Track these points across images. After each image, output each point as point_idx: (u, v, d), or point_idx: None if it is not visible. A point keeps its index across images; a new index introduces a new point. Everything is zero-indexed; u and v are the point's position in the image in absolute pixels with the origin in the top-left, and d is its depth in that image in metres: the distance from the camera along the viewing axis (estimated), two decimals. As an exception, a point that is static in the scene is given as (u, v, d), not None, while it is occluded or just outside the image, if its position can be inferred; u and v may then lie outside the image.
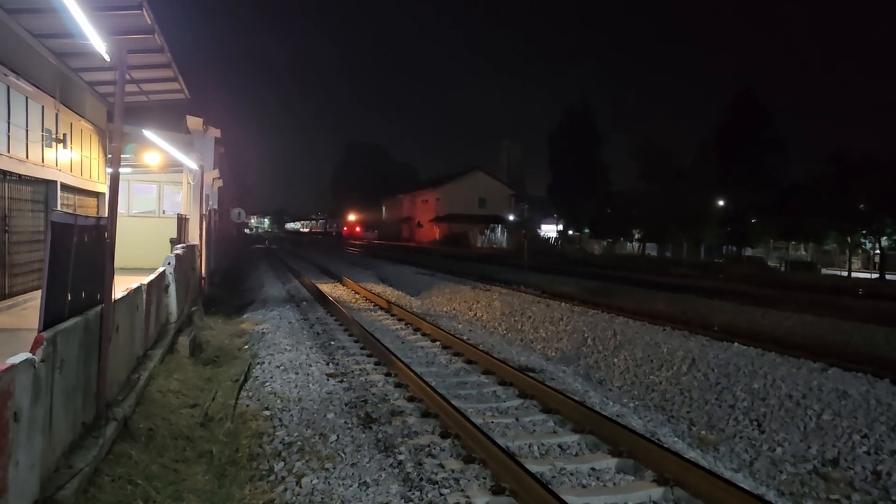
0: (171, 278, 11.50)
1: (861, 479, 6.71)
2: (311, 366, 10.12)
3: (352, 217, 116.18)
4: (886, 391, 8.29)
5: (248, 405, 8.18)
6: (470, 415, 7.30)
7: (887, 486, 6.49)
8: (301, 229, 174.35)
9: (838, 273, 44.02)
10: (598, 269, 35.54)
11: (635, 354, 11.38)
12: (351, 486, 5.61)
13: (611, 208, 61.47)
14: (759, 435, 7.98)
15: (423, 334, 13.43)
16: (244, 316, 16.11)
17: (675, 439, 7.54)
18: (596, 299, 18.56)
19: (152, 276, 10.11)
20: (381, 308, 17.54)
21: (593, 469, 6.20)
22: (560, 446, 6.84)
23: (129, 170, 18.81)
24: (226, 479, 5.83)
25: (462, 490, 5.53)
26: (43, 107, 12.43)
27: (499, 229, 79.85)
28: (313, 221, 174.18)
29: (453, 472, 5.94)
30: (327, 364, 10.33)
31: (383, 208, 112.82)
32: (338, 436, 6.89)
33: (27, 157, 11.66)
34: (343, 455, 6.33)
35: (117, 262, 6.85)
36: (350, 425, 7.26)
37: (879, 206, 39.50)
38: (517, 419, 7.72)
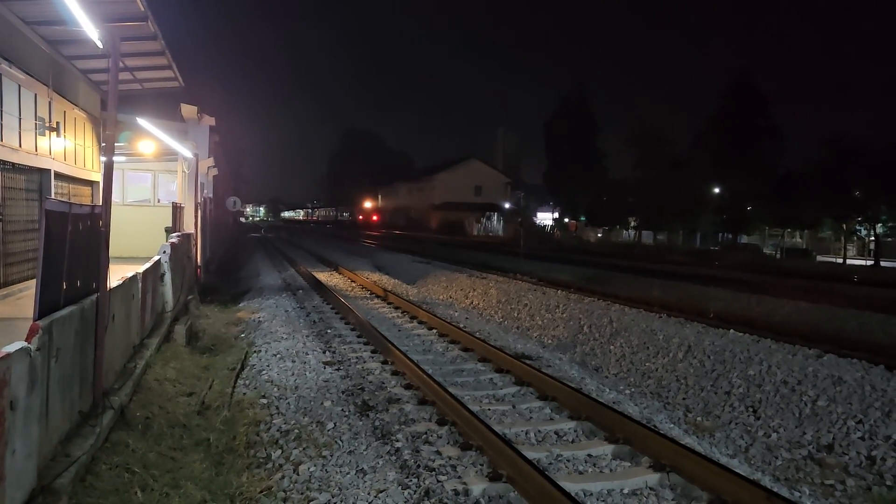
0: (166, 267, 11.47)
1: (856, 464, 6.75)
2: (307, 354, 10.13)
3: (368, 204, 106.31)
4: (881, 377, 8.34)
5: (244, 393, 8.18)
6: (467, 402, 7.31)
7: (881, 471, 6.53)
8: (301, 217, 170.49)
9: (833, 260, 44.12)
10: (594, 257, 35.58)
11: (631, 342, 11.41)
12: (348, 473, 5.62)
13: (607, 196, 61.40)
14: (755, 421, 8.02)
15: (420, 322, 13.44)
16: (240, 304, 16.10)
17: (671, 426, 7.57)
18: (592, 287, 18.59)
19: (148, 265, 10.08)
20: (378, 296, 17.54)
21: (590, 455, 6.22)
22: (557, 433, 6.86)
23: (123, 158, 18.70)
24: (223, 466, 5.84)
25: (459, 477, 5.55)
26: (36, 95, 12.33)
27: (495, 217, 79.84)
28: (311, 210, 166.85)
29: (450, 458, 5.96)
30: (324, 352, 10.33)
31: (379, 197, 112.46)
32: (335, 423, 6.90)
33: (20, 146, 11.58)
34: (340, 442, 6.34)
35: (112, 251, 6.82)
36: (347, 413, 7.27)
37: (874, 193, 39.56)
38: (514, 406, 7.74)
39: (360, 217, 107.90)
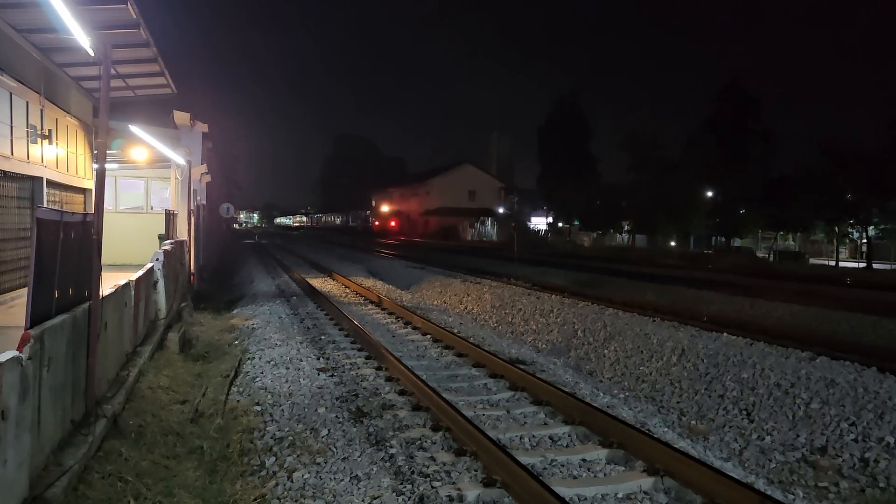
0: (159, 274, 11.44)
1: (849, 466, 6.78)
2: (301, 360, 10.11)
3: (384, 208, 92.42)
4: (873, 379, 8.37)
5: (238, 400, 8.16)
6: (461, 407, 7.31)
7: (874, 473, 6.56)
8: (296, 224, 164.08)
9: (826, 263, 44.30)
10: (588, 261, 35.63)
11: (625, 346, 11.43)
12: (342, 480, 5.61)
13: (600, 200, 61.61)
14: (749, 424, 8.04)
15: (414, 328, 13.43)
16: (234, 311, 16.06)
17: (666, 429, 7.58)
18: (586, 291, 18.62)
19: (140, 273, 10.05)
20: (372, 302, 17.51)
21: (584, 460, 6.22)
22: (551, 438, 6.86)
23: (115, 165, 18.67)
24: (217, 474, 5.82)
25: (453, 483, 5.54)
26: (27, 102, 12.29)
27: (489, 222, 79.90)
28: (313, 215, 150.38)
29: (444, 464, 5.95)
30: (318, 358, 10.31)
31: (373, 202, 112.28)
32: (329, 430, 6.88)
33: (12, 154, 11.53)
34: (334, 449, 6.33)
35: (105, 259, 6.81)
36: (341, 419, 7.26)
37: (866, 195, 39.75)
38: (508, 411, 7.74)
39: (376, 223, 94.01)
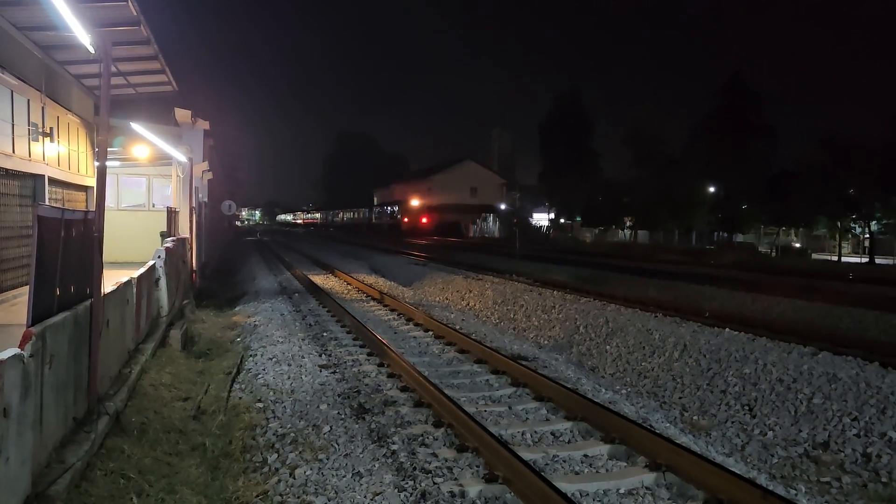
0: (161, 272, 11.45)
1: (851, 461, 6.77)
2: (303, 357, 10.12)
3: (415, 202, 77.90)
4: (876, 374, 8.36)
5: (240, 397, 8.17)
6: (463, 404, 7.31)
7: (877, 468, 6.55)
8: (300, 220, 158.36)
9: (828, 258, 44.28)
10: (590, 257, 35.59)
11: (627, 341, 11.43)
12: (344, 476, 5.62)
13: (602, 196, 61.57)
14: (751, 419, 8.04)
15: (416, 324, 13.43)
16: (236, 308, 16.07)
17: (667, 425, 7.58)
18: (588, 287, 18.60)
19: (142, 270, 10.06)
20: (374, 299, 17.52)
21: (586, 456, 6.22)
22: (553, 434, 6.86)
23: (117, 163, 18.65)
24: (219, 471, 5.82)
25: (455, 479, 5.55)
26: (29, 100, 12.29)
27: (490, 218, 79.79)
28: (327, 213, 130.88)
29: (447, 460, 5.95)
30: (320, 355, 10.32)
31: (374, 199, 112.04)
32: (331, 427, 6.89)
33: (13, 152, 11.54)
34: (336, 446, 6.34)
35: (107, 257, 6.81)
36: (343, 416, 7.26)
37: (869, 190, 39.70)
38: (510, 407, 7.74)
39: (405, 220, 78.50)
